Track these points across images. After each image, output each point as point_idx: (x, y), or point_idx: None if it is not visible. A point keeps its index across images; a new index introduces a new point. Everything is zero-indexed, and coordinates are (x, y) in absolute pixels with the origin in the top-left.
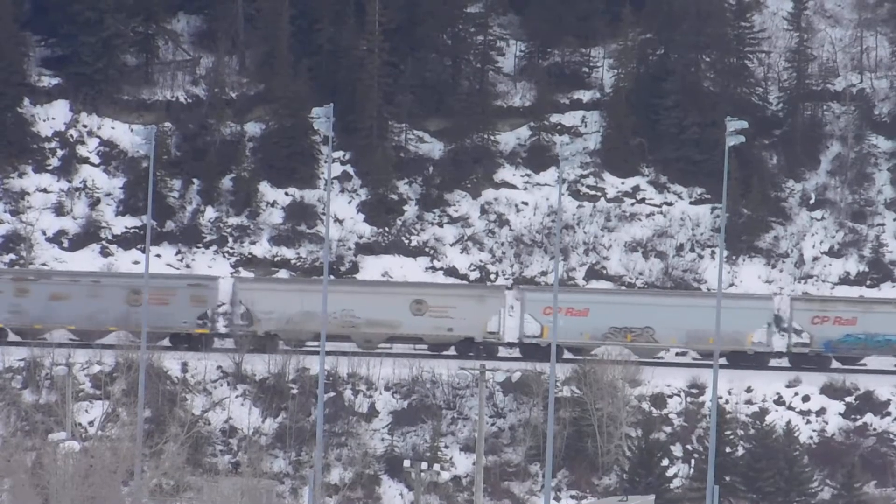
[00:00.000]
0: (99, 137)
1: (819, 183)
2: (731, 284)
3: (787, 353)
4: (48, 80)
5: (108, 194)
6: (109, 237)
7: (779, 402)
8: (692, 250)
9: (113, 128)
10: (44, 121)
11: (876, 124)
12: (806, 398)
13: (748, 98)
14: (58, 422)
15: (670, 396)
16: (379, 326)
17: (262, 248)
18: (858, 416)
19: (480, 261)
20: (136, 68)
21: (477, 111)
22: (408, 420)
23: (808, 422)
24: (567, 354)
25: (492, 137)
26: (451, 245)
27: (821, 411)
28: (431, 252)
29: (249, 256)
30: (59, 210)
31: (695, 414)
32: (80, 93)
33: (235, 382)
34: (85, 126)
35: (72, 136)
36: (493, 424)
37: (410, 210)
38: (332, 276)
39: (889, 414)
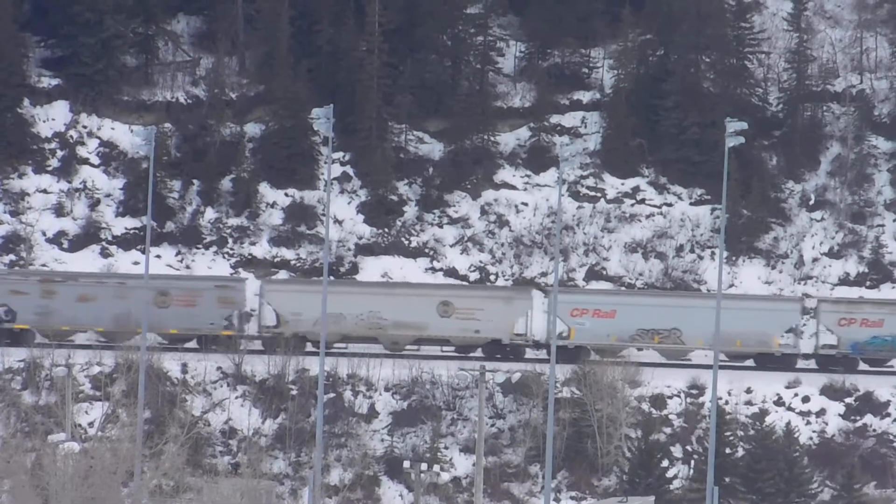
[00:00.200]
0: (99, 138)
1: (819, 184)
2: (731, 285)
3: (814, 354)
4: (48, 81)
5: (108, 195)
6: (109, 238)
7: (778, 402)
8: (692, 251)
9: (113, 129)
10: (44, 122)
11: (876, 125)
12: (806, 399)
13: (748, 99)
14: (58, 423)
15: (670, 397)
16: (406, 328)
17: (261, 249)
18: (858, 417)
19: (480, 262)
20: (135, 69)
21: (477, 112)
22: (407, 421)
23: (808, 423)
24: (594, 356)
25: (492, 138)
26: (451, 246)
27: (821, 412)
28: (431, 253)
29: (249, 257)
30: (59, 211)
31: (694, 415)
32: (79, 93)
33: (235, 383)
34: (85, 127)
35: (72, 136)
36: (492, 425)
37: (410, 211)
38: (354, 278)
39: (889, 415)
